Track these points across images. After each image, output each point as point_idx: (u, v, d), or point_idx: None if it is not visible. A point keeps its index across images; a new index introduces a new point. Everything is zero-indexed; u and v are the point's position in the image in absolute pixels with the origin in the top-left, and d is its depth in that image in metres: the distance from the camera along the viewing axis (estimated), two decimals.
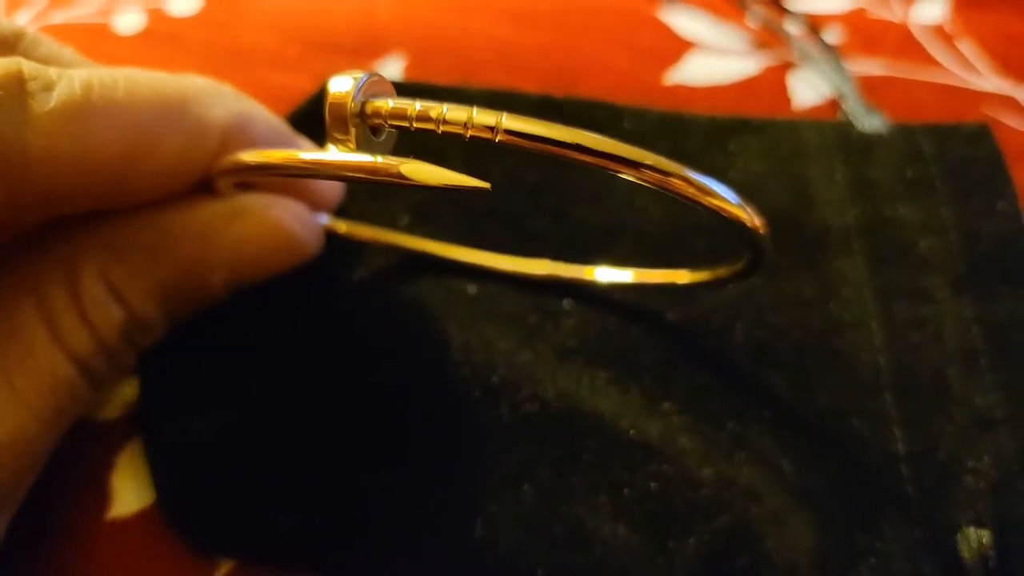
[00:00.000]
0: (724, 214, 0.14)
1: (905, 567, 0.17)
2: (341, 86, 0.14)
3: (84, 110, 0.14)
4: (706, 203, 0.14)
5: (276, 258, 0.18)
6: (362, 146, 0.14)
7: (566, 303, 0.21)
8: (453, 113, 0.13)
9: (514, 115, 0.13)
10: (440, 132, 0.13)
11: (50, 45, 0.16)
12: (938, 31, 0.29)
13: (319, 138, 0.22)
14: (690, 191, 0.13)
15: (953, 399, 0.19)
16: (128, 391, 0.20)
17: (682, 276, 0.20)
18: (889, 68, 0.28)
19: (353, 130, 0.14)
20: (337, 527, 0.17)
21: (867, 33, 0.29)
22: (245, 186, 0.17)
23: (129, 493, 0.19)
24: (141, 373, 0.19)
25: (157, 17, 0.29)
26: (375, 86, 0.14)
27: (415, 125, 0.14)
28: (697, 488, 0.18)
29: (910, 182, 0.23)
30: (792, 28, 0.29)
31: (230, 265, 0.17)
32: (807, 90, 0.26)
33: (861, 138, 0.24)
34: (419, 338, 0.20)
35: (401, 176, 0.13)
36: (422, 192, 0.22)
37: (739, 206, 0.14)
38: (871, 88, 0.26)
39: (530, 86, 0.25)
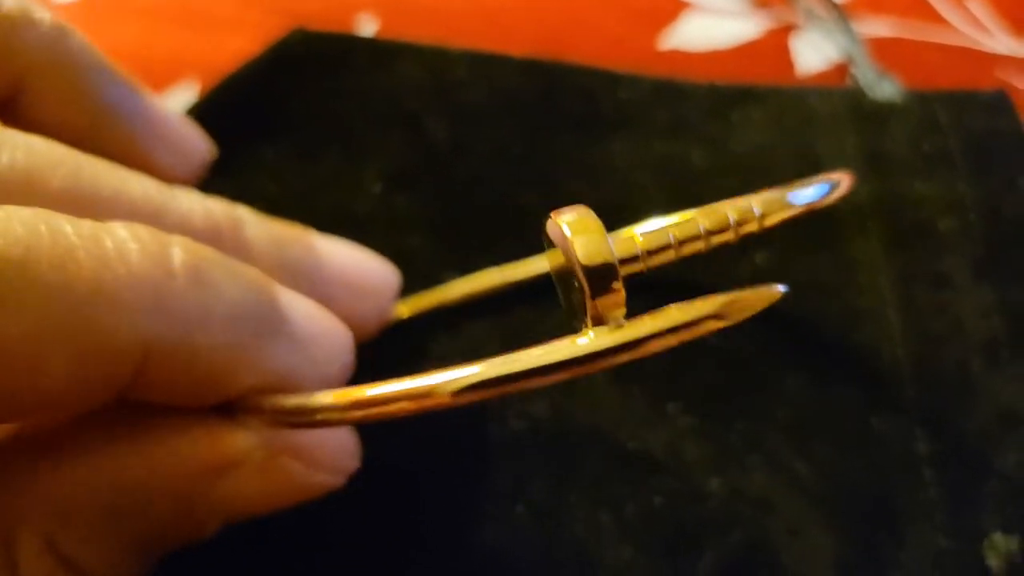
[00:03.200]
0: None
1: None
2: (592, 246, 0.10)
3: None
4: None
5: (284, 501, 0.14)
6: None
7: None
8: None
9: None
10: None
11: None
12: None
13: (228, 128, 0.20)
14: None
15: (976, 394, 0.18)
16: None
17: None
18: (897, 28, 0.26)
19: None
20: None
21: None
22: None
23: None
24: None
25: None
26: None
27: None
28: (705, 501, 0.17)
29: (927, 156, 0.21)
30: None
31: (223, 515, 0.14)
32: (812, 54, 0.25)
33: (873, 107, 0.22)
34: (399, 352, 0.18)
35: None
36: (397, 156, 0.21)
37: None
38: (878, 50, 0.25)
39: (517, 52, 0.23)
